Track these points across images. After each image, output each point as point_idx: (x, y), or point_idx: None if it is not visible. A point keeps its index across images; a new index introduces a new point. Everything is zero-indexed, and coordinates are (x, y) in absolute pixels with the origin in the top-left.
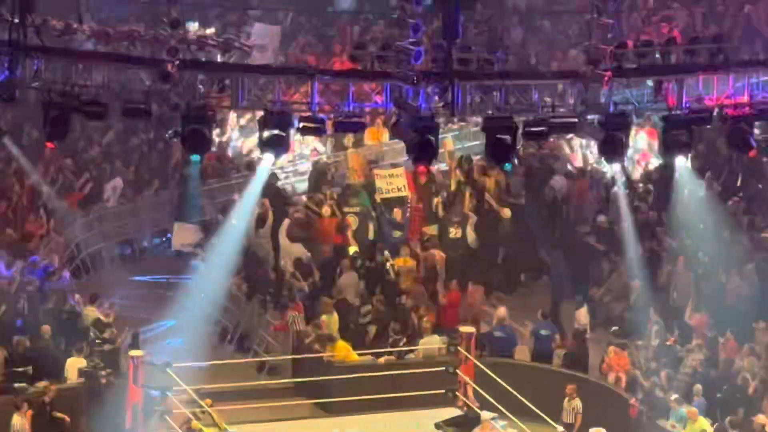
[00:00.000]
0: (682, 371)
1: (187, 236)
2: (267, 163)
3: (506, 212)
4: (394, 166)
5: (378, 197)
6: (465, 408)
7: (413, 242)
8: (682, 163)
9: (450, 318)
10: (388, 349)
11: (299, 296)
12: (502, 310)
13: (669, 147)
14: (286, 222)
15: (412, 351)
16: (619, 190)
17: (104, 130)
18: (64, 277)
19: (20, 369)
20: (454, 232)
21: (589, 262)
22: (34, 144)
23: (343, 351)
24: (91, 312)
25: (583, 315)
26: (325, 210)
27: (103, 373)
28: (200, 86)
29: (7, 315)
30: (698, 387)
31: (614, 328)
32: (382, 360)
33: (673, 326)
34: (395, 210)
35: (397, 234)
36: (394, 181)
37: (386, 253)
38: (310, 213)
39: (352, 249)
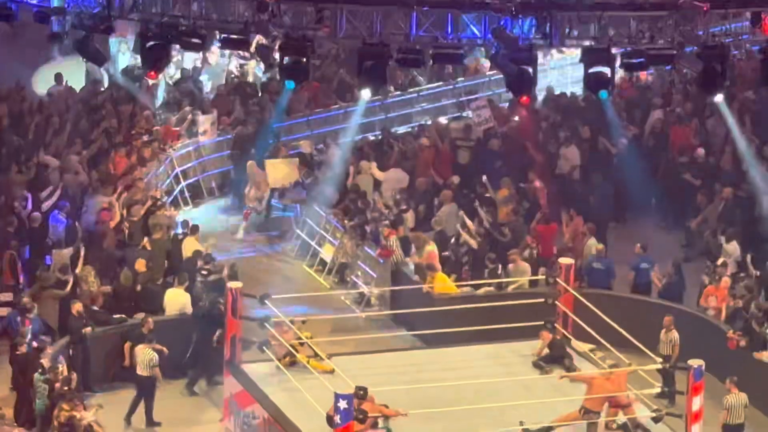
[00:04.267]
0: None
1: (283, 173)
2: (366, 95)
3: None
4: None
5: None
6: (557, 340)
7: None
8: None
9: (548, 249)
10: (488, 281)
11: (400, 225)
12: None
13: (765, 79)
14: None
15: (511, 282)
16: (718, 121)
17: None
18: (168, 208)
19: (124, 300)
20: (561, 166)
21: (687, 194)
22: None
23: (442, 282)
24: (192, 243)
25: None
26: (424, 141)
27: (222, 300)
28: (299, 17)
29: (110, 247)
30: None
31: (721, 260)
32: (481, 291)
33: None
34: (492, 141)
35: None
36: (482, 113)
37: (485, 182)
38: (410, 145)
39: (455, 179)
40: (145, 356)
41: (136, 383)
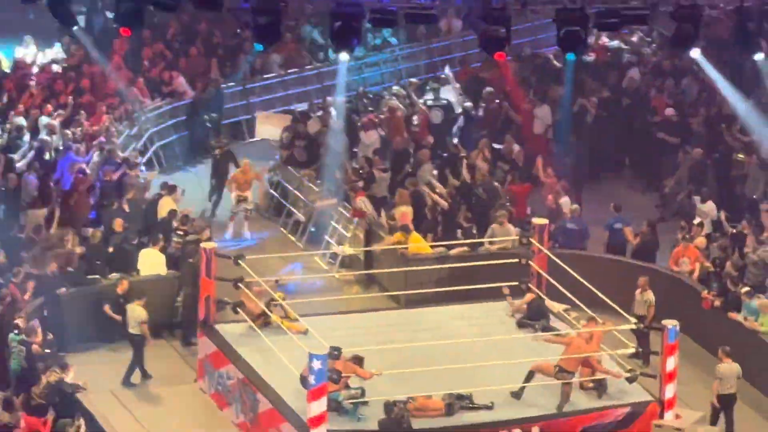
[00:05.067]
0: (753, 263)
1: (270, 127)
2: (344, 57)
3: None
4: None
5: None
6: (535, 300)
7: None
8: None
9: (522, 210)
10: (463, 241)
11: (372, 184)
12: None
13: (740, 40)
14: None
15: (484, 243)
16: (691, 82)
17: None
18: (142, 170)
19: (95, 261)
20: (536, 127)
21: (661, 154)
22: (105, 34)
23: (416, 242)
24: (168, 203)
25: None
26: (394, 103)
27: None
28: None
29: (83, 207)
30: None
31: (698, 220)
32: (454, 252)
33: (743, 217)
34: (466, 104)
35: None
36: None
37: (457, 144)
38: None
39: (430, 140)
40: (133, 313)
41: (129, 341)
